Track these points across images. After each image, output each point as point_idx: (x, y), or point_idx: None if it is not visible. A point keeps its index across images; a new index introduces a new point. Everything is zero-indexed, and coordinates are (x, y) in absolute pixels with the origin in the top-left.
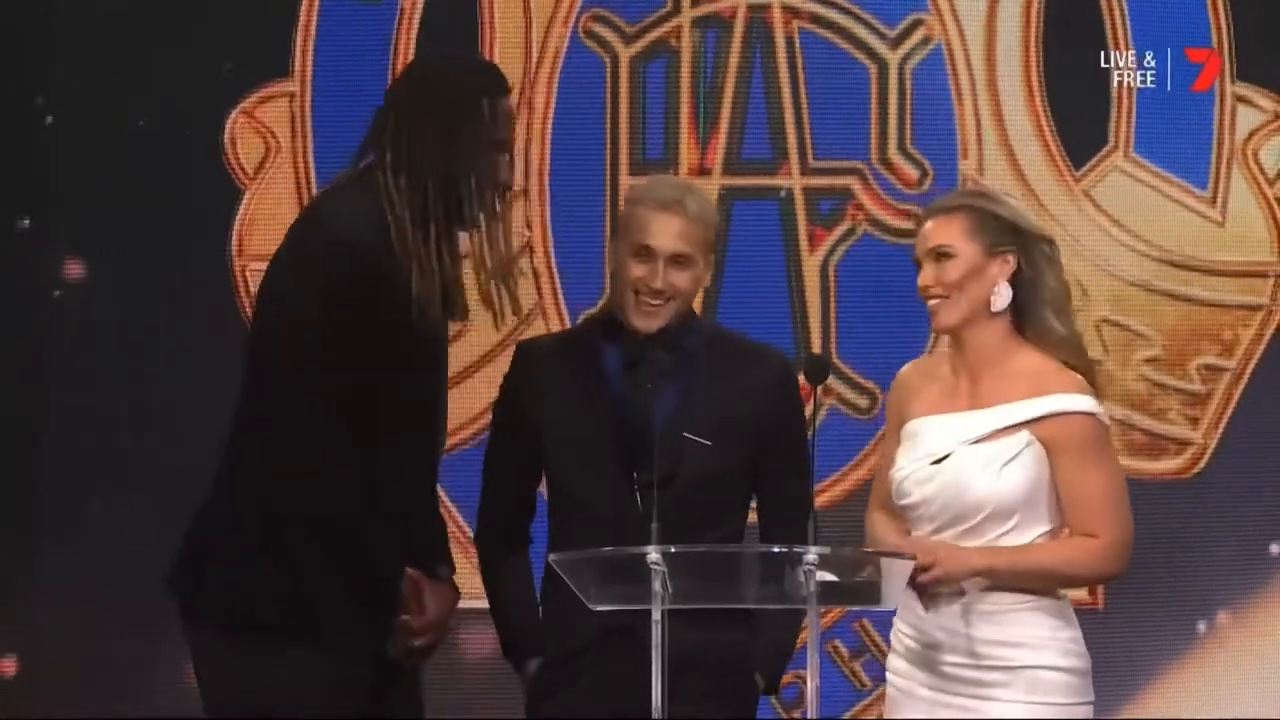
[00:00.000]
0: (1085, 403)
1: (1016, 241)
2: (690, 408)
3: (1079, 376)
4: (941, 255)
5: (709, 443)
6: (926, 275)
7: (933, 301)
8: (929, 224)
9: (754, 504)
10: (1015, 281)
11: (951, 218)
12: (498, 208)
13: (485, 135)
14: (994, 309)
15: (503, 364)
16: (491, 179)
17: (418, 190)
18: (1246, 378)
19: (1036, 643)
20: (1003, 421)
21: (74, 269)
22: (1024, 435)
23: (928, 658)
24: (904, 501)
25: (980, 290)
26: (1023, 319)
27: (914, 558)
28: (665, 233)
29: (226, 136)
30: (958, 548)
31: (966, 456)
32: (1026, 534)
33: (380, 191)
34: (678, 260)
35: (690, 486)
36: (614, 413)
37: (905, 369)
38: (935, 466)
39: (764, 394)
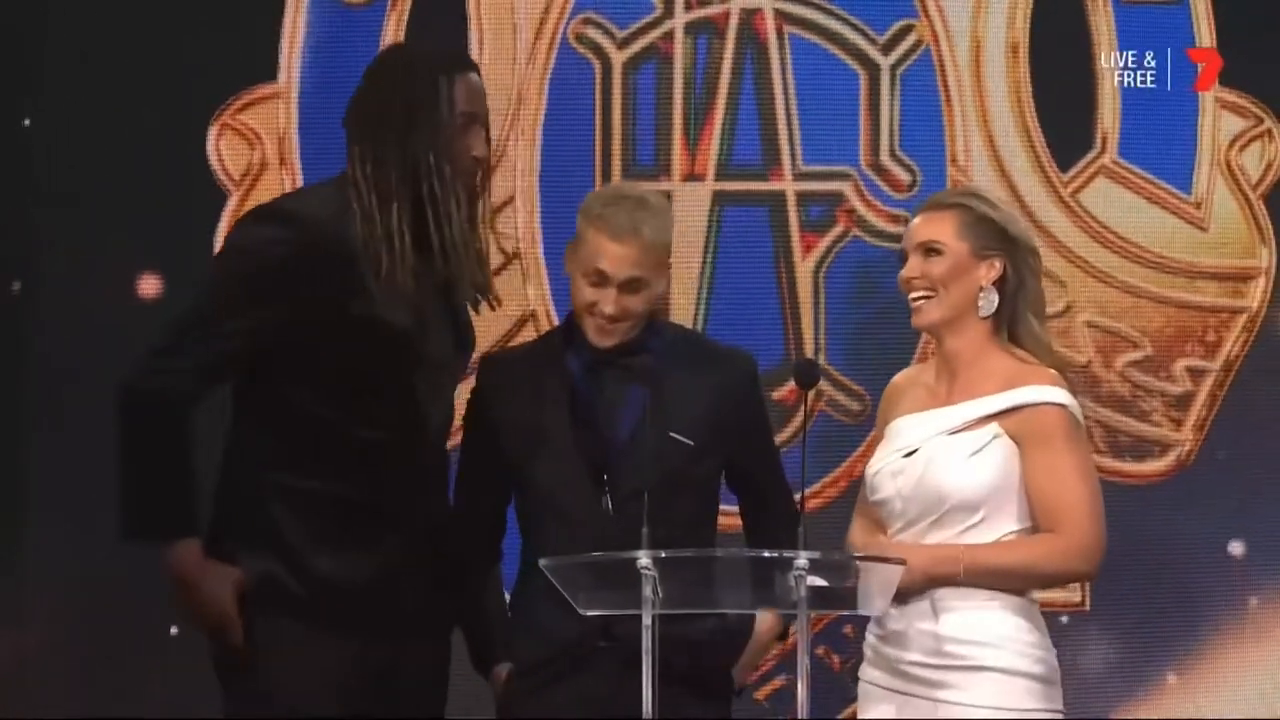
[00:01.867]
0: (1056, 394)
1: (1005, 247)
2: (658, 410)
3: (1053, 372)
4: (930, 250)
5: (691, 442)
6: (912, 268)
7: (915, 298)
8: (920, 218)
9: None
10: (999, 286)
11: (944, 214)
12: (462, 186)
13: (445, 111)
14: (981, 314)
15: None
16: (453, 155)
17: (383, 173)
18: (1230, 380)
19: (996, 642)
20: (974, 414)
21: (61, 272)
22: (992, 428)
23: (890, 656)
24: (876, 497)
25: (964, 290)
26: (1003, 321)
27: (903, 562)
28: (619, 260)
29: (212, 141)
30: (918, 548)
31: (935, 448)
32: (994, 530)
33: (348, 181)
34: (631, 285)
35: (661, 489)
36: (581, 417)
37: (896, 377)
38: (906, 460)
39: (732, 395)
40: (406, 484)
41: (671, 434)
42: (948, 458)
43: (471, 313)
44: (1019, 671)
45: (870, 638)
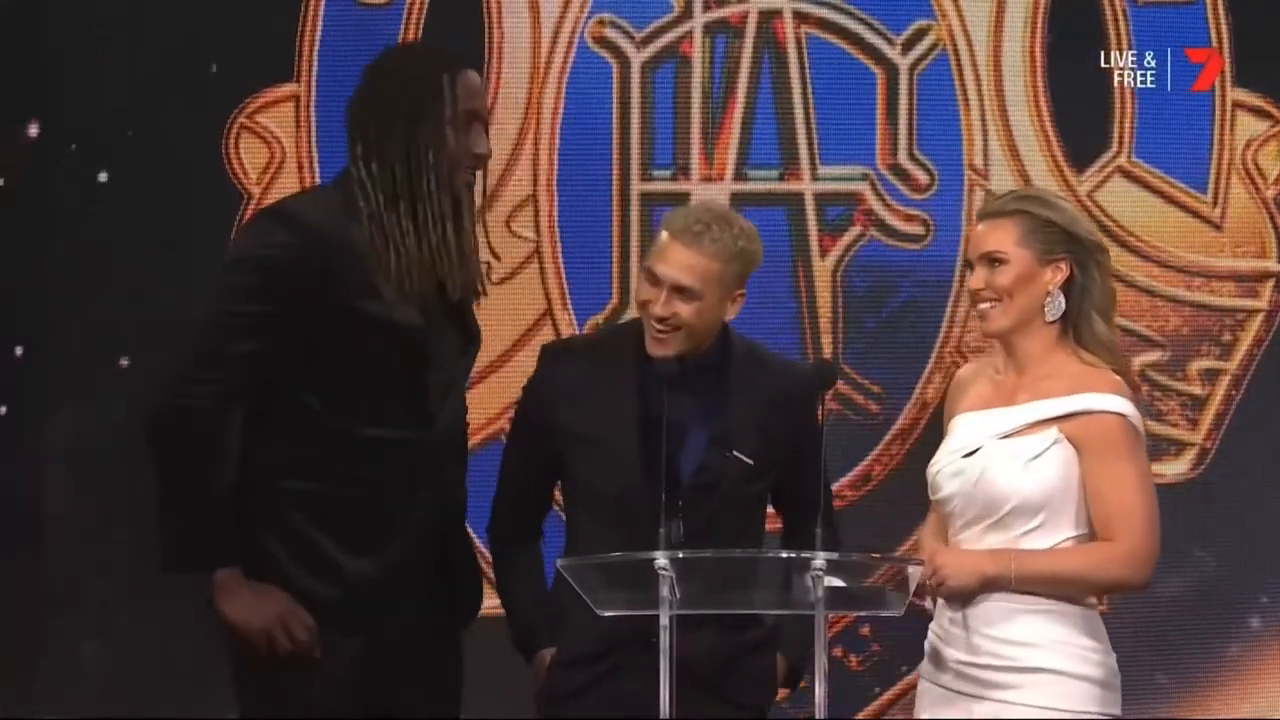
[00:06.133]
0: (1118, 403)
1: (1070, 248)
2: (720, 420)
3: (1118, 379)
4: (994, 260)
5: (750, 461)
6: (978, 279)
7: (983, 305)
8: (981, 226)
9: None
10: (1067, 287)
11: (1004, 222)
12: (462, 184)
13: (448, 110)
14: (1048, 318)
15: (515, 368)
16: (454, 152)
17: (386, 172)
18: (1247, 380)
19: (1052, 645)
20: (1034, 417)
21: (76, 275)
22: (1053, 432)
23: (946, 656)
24: (937, 495)
25: (1032, 297)
26: (1070, 322)
27: (920, 563)
28: (673, 262)
29: (229, 142)
30: (967, 554)
31: (995, 450)
32: (1053, 535)
33: (353, 183)
34: (681, 291)
35: (722, 500)
36: (643, 421)
37: (962, 369)
38: (965, 460)
39: (794, 410)
40: (412, 483)
41: (735, 453)
42: (1007, 461)
43: (485, 310)
44: (1075, 674)
45: (932, 636)
